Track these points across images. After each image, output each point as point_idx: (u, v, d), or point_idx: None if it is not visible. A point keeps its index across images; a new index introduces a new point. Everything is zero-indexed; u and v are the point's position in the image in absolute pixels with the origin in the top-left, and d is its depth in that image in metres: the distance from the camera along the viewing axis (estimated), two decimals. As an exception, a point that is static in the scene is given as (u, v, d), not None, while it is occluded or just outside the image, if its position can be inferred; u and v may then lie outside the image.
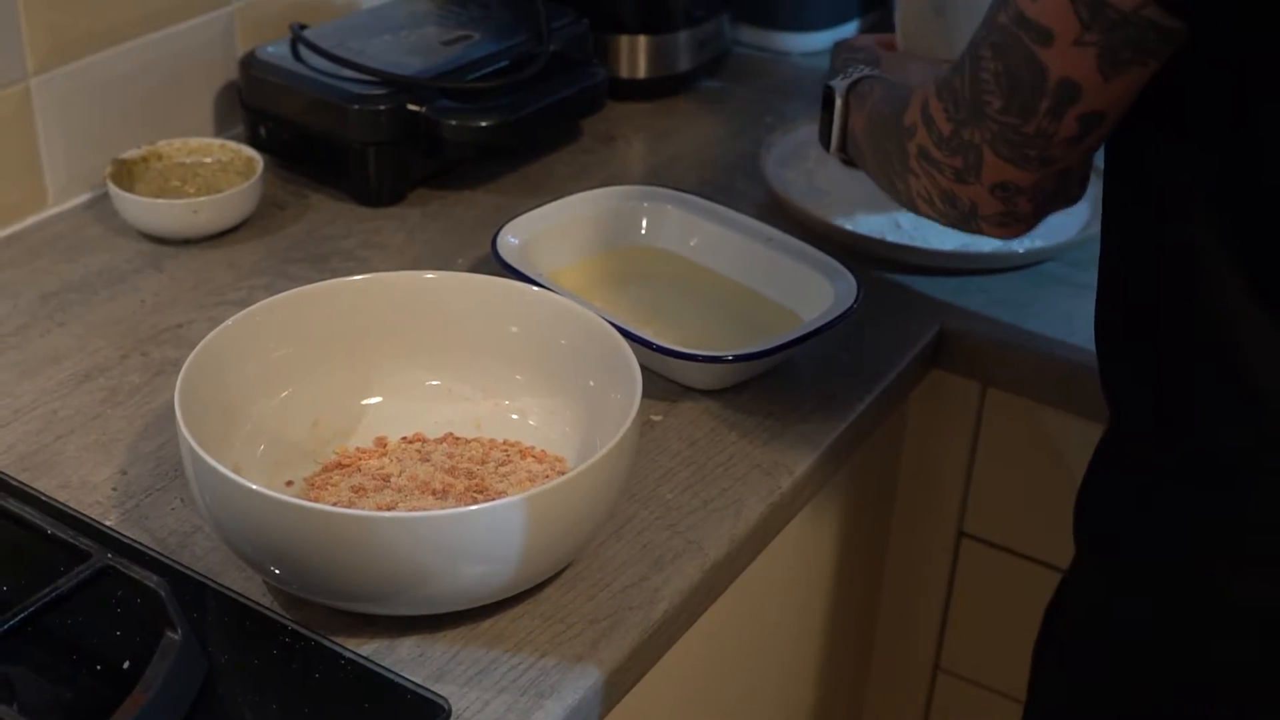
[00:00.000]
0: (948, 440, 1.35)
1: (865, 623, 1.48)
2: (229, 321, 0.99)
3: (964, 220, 0.95)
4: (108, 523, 0.98)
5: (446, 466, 0.99)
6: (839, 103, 1.12)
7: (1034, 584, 1.31)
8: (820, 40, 1.71)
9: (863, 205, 1.37)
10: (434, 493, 0.97)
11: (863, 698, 1.53)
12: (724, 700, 1.20)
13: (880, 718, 1.55)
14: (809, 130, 1.49)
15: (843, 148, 1.13)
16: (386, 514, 0.88)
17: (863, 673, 1.51)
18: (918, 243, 1.32)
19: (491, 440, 1.03)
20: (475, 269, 1.27)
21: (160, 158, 1.34)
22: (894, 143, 0.98)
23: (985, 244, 1.32)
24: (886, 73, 1.13)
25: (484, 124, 1.34)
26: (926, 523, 1.40)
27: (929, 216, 0.99)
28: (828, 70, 1.21)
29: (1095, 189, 1.39)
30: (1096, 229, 1.31)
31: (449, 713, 0.85)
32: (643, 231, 1.28)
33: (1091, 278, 1.16)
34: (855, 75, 1.12)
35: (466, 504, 0.95)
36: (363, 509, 0.94)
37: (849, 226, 1.32)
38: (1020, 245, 1.32)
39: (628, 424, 0.91)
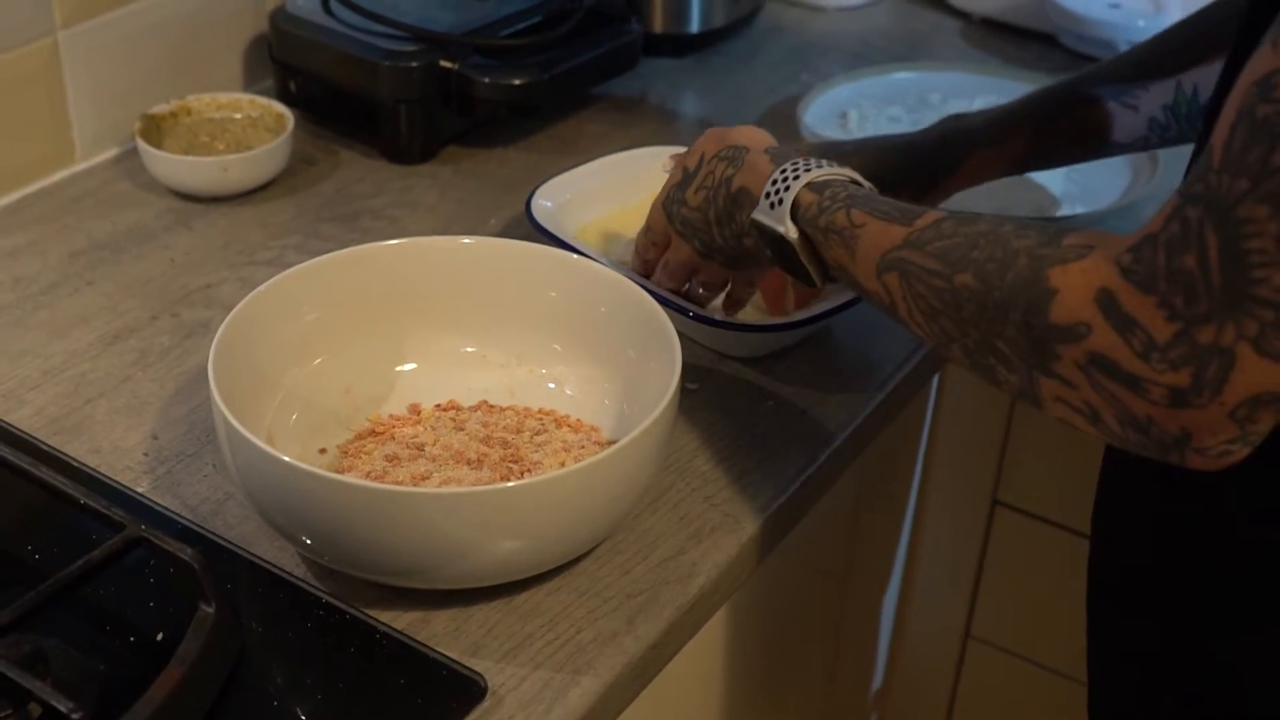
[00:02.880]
0: (983, 408, 1.34)
1: (899, 591, 1.47)
2: (261, 288, 0.97)
3: (1154, 448, 0.72)
4: (139, 490, 0.97)
5: (481, 435, 0.98)
6: (798, 246, 0.91)
7: (1067, 552, 1.30)
8: (857, -5, 1.69)
9: (901, 168, 1.35)
10: (468, 462, 0.95)
11: (895, 664, 1.52)
12: (760, 672, 1.19)
13: (912, 684, 1.54)
14: (846, 88, 1.47)
15: (830, 278, 0.93)
16: (423, 490, 0.87)
17: (895, 640, 1.50)
18: (956, 207, 1.29)
19: (526, 409, 1.01)
20: (507, 228, 1.26)
21: (189, 113, 1.33)
22: (993, 328, 0.76)
23: (1022, 210, 1.30)
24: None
25: (517, 82, 1.32)
26: (961, 490, 1.39)
27: (1069, 422, 0.75)
28: (679, 229, 1.03)
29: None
30: (1137, 195, 1.29)
31: (486, 689, 0.84)
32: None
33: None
34: (788, 194, 0.91)
35: (501, 474, 0.94)
36: (397, 478, 0.93)
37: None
38: (1059, 211, 1.30)
39: (668, 396, 0.89)
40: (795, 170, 0.92)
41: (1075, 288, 0.71)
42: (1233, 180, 0.65)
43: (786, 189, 0.91)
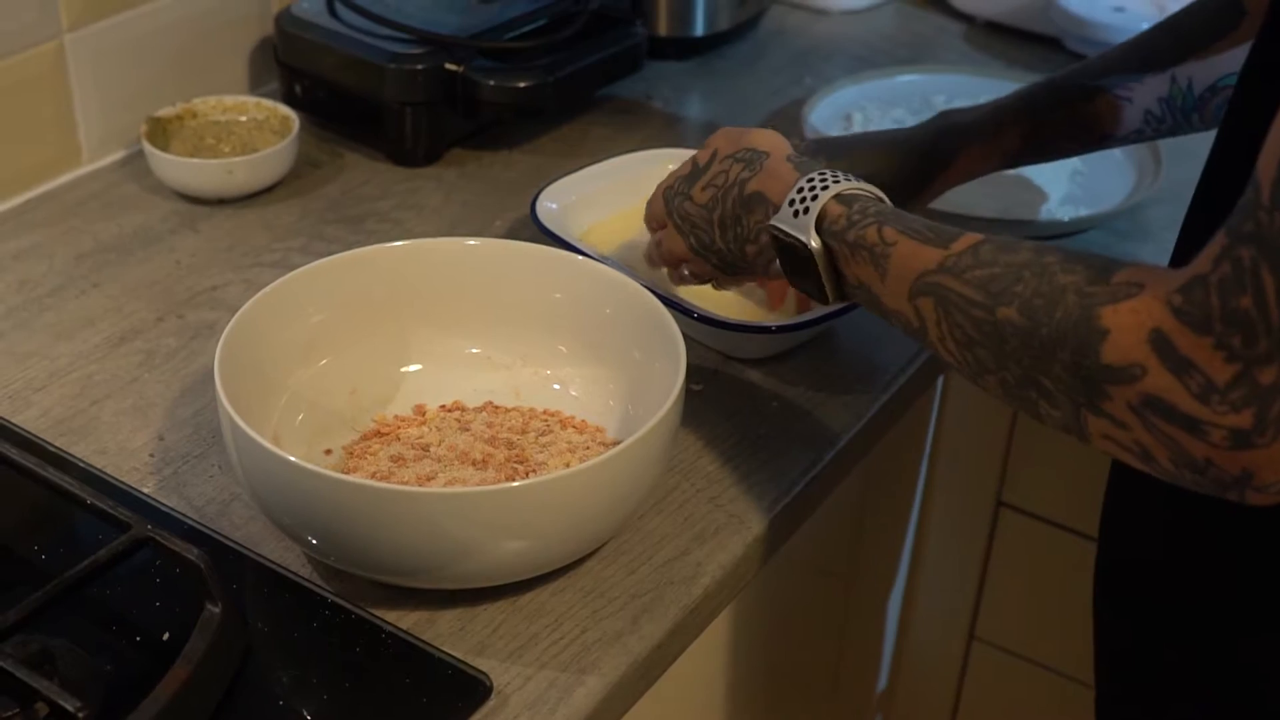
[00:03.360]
0: (988, 410, 1.34)
1: (903, 592, 1.47)
2: (266, 289, 0.97)
3: (1211, 487, 0.70)
4: (145, 490, 0.98)
5: (486, 436, 0.98)
6: (819, 258, 0.88)
7: (1071, 554, 1.30)
8: (861, -1, 1.69)
9: (905, 170, 1.35)
10: (474, 463, 0.96)
11: (899, 666, 1.52)
12: (764, 672, 1.19)
13: (915, 686, 1.54)
14: (850, 91, 1.47)
15: (845, 296, 0.90)
16: (428, 489, 0.87)
17: (899, 641, 1.50)
18: (960, 209, 1.30)
19: (531, 409, 1.02)
20: (513, 230, 1.26)
21: (195, 115, 1.33)
22: (1038, 364, 0.74)
23: (1026, 212, 1.30)
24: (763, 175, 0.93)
25: (522, 84, 1.32)
26: (965, 492, 1.39)
27: (1117, 456, 0.74)
28: (677, 222, 1.01)
29: (1137, 151, 1.37)
30: (1140, 198, 1.30)
31: (491, 689, 0.84)
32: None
33: (1134, 248, 1.15)
34: (815, 205, 0.88)
35: (507, 474, 0.94)
36: (402, 479, 0.93)
37: (891, 192, 1.30)
38: (1065, 214, 1.30)
39: (673, 397, 0.89)
40: (824, 180, 0.89)
41: (1127, 328, 0.69)
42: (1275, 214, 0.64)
43: (814, 198, 0.88)
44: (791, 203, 0.89)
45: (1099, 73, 1.13)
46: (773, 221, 0.90)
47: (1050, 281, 0.74)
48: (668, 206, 1.02)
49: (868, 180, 0.91)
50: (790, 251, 0.90)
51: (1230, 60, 1.06)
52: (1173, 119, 1.12)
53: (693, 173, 1.00)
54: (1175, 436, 0.69)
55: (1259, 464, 0.67)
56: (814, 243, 0.87)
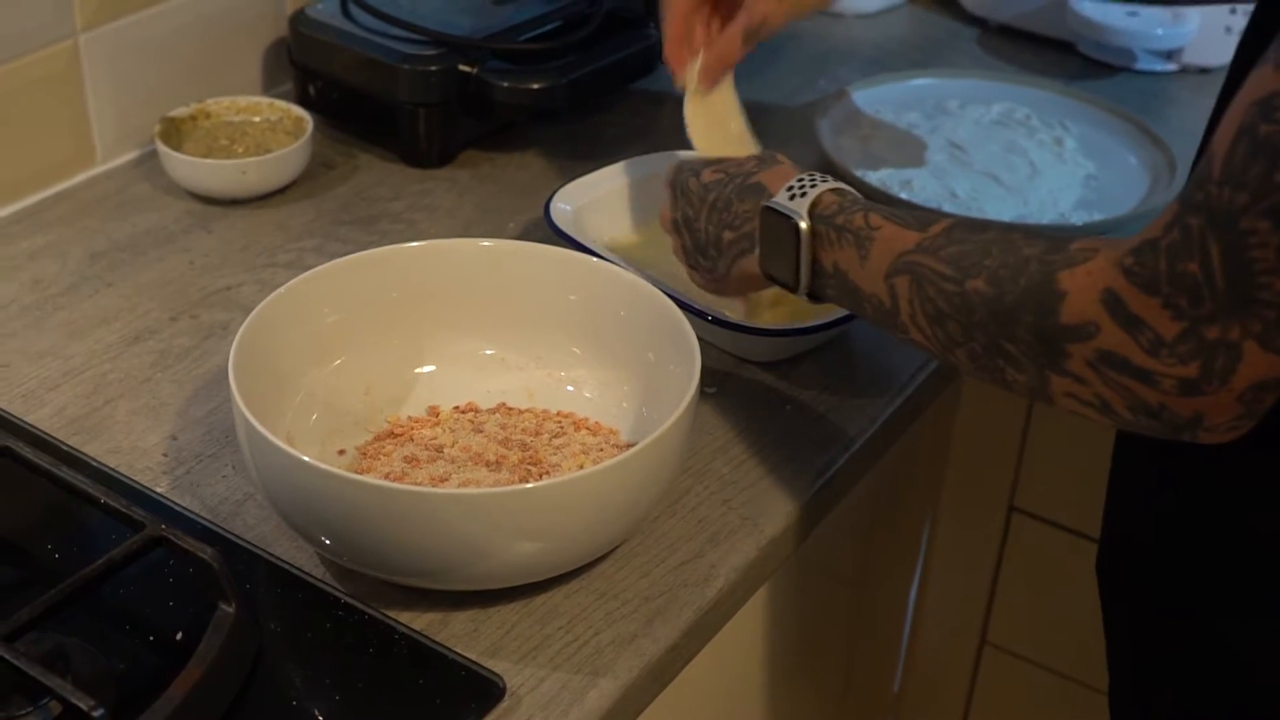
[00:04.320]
0: (1001, 414, 1.33)
1: (915, 596, 1.47)
2: (280, 290, 0.97)
3: (1167, 430, 0.75)
4: (158, 490, 0.98)
5: (500, 438, 0.98)
6: (804, 235, 0.91)
7: (1084, 560, 1.29)
8: (877, 1, 1.69)
9: (918, 174, 1.35)
10: (487, 464, 0.95)
11: (910, 670, 1.52)
12: (777, 675, 1.19)
13: (927, 690, 1.54)
14: (864, 94, 1.47)
15: (814, 289, 0.93)
16: (441, 490, 0.87)
17: (911, 645, 1.50)
18: (974, 213, 1.30)
19: (545, 411, 1.01)
20: (526, 232, 1.26)
21: (209, 116, 1.33)
22: (1003, 330, 0.79)
23: (1042, 216, 1.30)
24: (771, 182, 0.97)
25: (536, 86, 1.32)
26: (977, 497, 1.39)
27: (1079, 414, 0.79)
28: (677, 192, 1.04)
29: (1152, 156, 1.37)
30: (1155, 203, 1.29)
31: (504, 690, 0.84)
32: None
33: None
34: (812, 191, 0.92)
35: (520, 476, 0.94)
36: (415, 479, 0.93)
37: (904, 195, 1.30)
38: (1078, 218, 1.30)
39: (687, 400, 0.89)
40: (825, 178, 0.94)
41: (1082, 289, 0.75)
42: (1234, 194, 0.68)
43: (813, 185, 0.93)
44: (790, 188, 0.94)
45: None
46: (768, 202, 0.94)
47: (1015, 253, 0.79)
48: (675, 174, 1.06)
49: None
50: (775, 232, 0.94)
51: None
52: None
53: (715, 161, 1.05)
54: (1130, 387, 0.74)
55: (1208, 408, 0.73)
56: (804, 223, 0.91)
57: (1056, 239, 0.78)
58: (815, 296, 0.94)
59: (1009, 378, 0.80)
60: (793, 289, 0.94)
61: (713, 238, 1.01)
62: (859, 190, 0.97)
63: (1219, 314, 0.70)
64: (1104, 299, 0.73)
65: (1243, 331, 0.69)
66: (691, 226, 1.03)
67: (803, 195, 0.93)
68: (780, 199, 0.94)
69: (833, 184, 0.94)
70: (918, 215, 0.88)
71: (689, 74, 1.14)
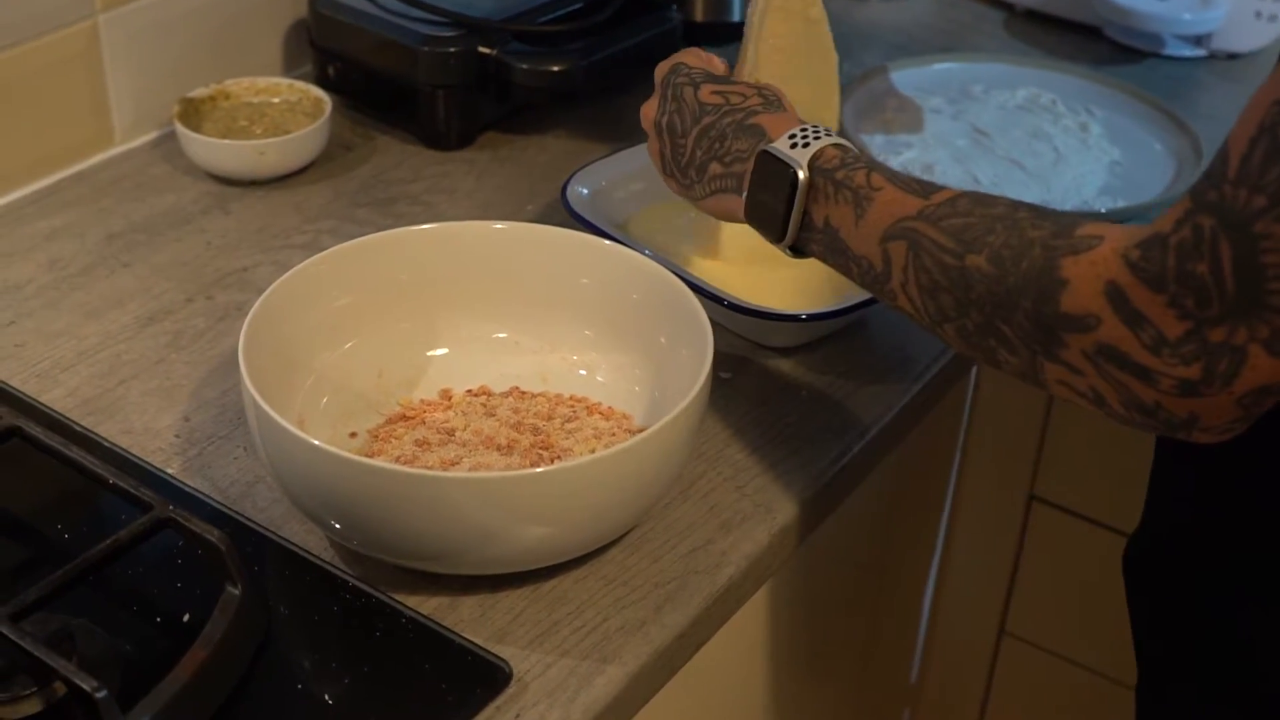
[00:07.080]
0: (1021, 402, 1.32)
1: (934, 586, 1.46)
2: (292, 271, 0.97)
3: (1160, 428, 0.74)
4: (169, 471, 0.97)
5: (512, 421, 0.98)
6: (801, 186, 0.88)
7: (1104, 550, 1.28)
8: (900, -14, 1.68)
9: (941, 159, 1.34)
10: (499, 448, 0.95)
11: (929, 660, 1.51)
12: (791, 664, 1.18)
13: (945, 681, 1.53)
14: (885, 79, 1.45)
15: (798, 243, 0.91)
16: (452, 474, 0.87)
17: (929, 635, 1.49)
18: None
19: (558, 395, 1.01)
20: (545, 215, 1.25)
21: (228, 97, 1.33)
22: (1000, 312, 0.77)
23: (1066, 203, 1.29)
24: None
25: (556, 68, 1.31)
26: (997, 485, 1.38)
27: (1071, 401, 0.78)
28: (668, 94, 1.01)
29: (1178, 143, 1.35)
30: (1180, 190, 1.28)
31: (510, 675, 0.84)
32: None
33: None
34: (815, 143, 0.89)
35: (532, 460, 0.93)
36: (426, 463, 0.93)
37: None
38: (1103, 204, 1.28)
39: (699, 384, 0.89)
40: (829, 132, 0.91)
41: (1085, 279, 0.72)
42: (1250, 196, 0.66)
43: (816, 137, 0.90)
44: (792, 136, 0.90)
45: None
46: (767, 146, 0.91)
47: (1020, 235, 0.77)
48: (670, 75, 1.02)
49: None
50: (770, 178, 0.90)
51: None
52: None
53: (712, 76, 1.00)
54: (1126, 383, 0.72)
55: (1205, 410, 0.70)
56: (803, 173, 0.88)
57: (1064, 222, 0.76)
58: (798, 250, 0.91)
59: (1000, 358, 0.79)
60: (775, 240, 0.91)
61: (698, 163, 0.97)
62: None
63: (1226, 316, 0.68)
64: (1107, 291, 0.71)
65: (1249, 335, 0.67)
66: (675, 139, 0.99)
67: (805, 145, 0.89)
68: (780, 145, 0.90)
69: (837, 139, 0.90)
70: (920, 181, 0.85)
71: None
